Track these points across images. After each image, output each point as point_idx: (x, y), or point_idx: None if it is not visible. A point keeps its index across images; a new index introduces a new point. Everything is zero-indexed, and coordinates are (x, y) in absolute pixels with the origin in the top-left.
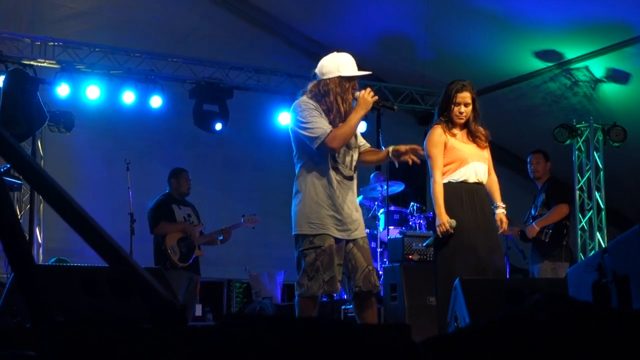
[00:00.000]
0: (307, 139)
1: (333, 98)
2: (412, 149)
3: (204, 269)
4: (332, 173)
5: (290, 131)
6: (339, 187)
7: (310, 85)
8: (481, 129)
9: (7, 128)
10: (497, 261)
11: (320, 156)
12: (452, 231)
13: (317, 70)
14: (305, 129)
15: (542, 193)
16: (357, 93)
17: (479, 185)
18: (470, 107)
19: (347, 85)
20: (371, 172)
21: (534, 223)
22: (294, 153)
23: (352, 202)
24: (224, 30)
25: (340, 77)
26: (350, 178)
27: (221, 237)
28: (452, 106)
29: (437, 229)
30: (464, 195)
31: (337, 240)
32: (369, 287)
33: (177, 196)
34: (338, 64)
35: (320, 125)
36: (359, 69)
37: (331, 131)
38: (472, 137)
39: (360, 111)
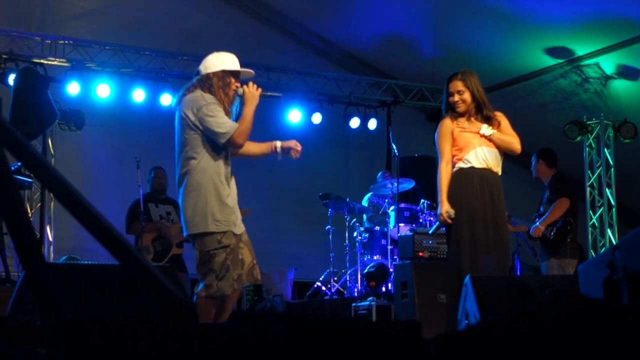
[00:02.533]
0: (212, 133)
1: (219, 93)
2: (294, 145)
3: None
4: (227, 169)
5: (182, 125)
6: (231, 182)
7: (195, 81)
8: (496, 113)
9: (18, 126)
10: (500, 253)
11: (219, 152)
12: (450, 221)
13: (200, 67)
14: (213, 122)
15: (546, 190)
16: (240, 89)
17: (488, 171)
18: (465, 94)
19: (229, 80)
20: (378, 172)
21: (538, 223)
22: (183, 147)
23: (236, 197)
24: (234, 28)
25: (223, 71)
26: (232, 172)
27: None
28: (449, 98)
29: (438, 218)
30: (475, 180)
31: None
32: (252, 280)
33: (156, 194)
34: (222, 59)
35: (226, 120)
36: (369, 65)
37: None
38: (485, 122)
39: (251, 106)
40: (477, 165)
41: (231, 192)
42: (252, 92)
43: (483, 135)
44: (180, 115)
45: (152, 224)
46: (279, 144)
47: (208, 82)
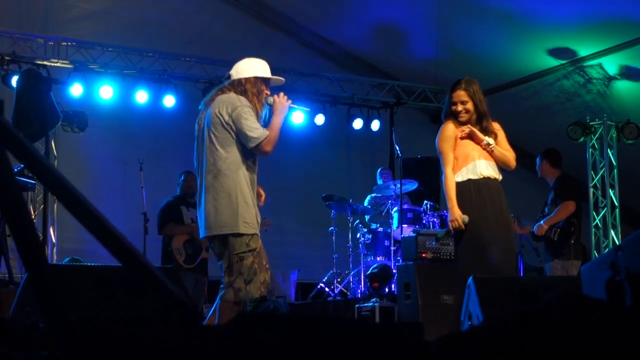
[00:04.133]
0: (244, 136)
1: (252, 98)
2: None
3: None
4: (254, 172)
5: (213, 124)
6: (255, 188)
7: (227, 84)
8: (494, 124)
9: (21, 128)
10: (508, 258)
11: (249, 154)
12: (463, 227)
13: (231, 72)
14: (246, 126)
15: (551, 191)
16: (271, 98)
17: (488, 180)
18: (468, 104)
19: (262, 87)
20: (376, 169)
21: (542, 222)
22: (213, 146)
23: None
24: (237, 30)
25: (256, 78)
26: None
27: None
28: (452, 106)
29: (450, 224)
30: (472, 193)
31: None
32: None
33: (186, 198)
34: (255, 66)
35: (258, 126)
36: (372, 66)
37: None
38: (483, 133)
39: (280, 116)
40: (474, 177)
41: (254, 197)
42: (282, 103)
43: (486, 147)
44: (213, 114)
45: (184, 227)
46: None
47: (241, 87)
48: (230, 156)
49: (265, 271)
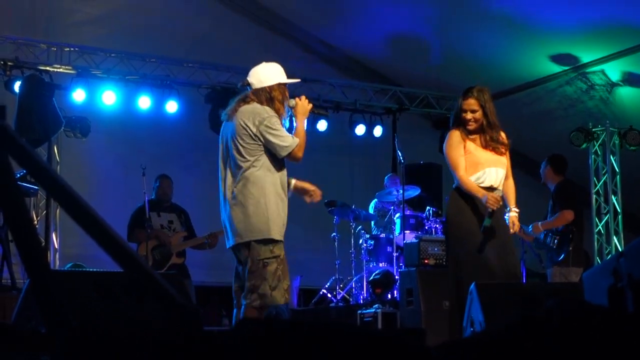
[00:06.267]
0: (274, 146)
1: (278, 105)
2: (313, 192)
3: (220, 273)
4: (284, 180)
5: (239, 135)
6: (285, 196)
7: (248, 94)
8: (503, 135)
9: (23, 133)
10: (509, 266)
11: (278, 163)
12: (501, 202)
13: (251, 80)
14: (276, 136)
15: (551, 198)
16: (292, 101)
17: (493, 189)
18: (478, 114)
19: (286, 92)
20: (383, 179)
21: (539, 223)
22: (240, 155)
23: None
24: (240, 35)
25: (279, 84)
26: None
27: (207, 242)
28: (462, 114)
29: (488, 205)
30: (477, 201)
31: None
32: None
33: (161, 203)
34: (275, 71)
35: (287, 134)
36: (374, 72)
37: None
38: (490, 143)
39: (303, 119)
40: (484, 185)
41: (285, 205)
42: (304, 106)
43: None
44: (238, 124)
45: (151, 232)
46: (292, 182)
47: (267, 96)
48: (258, 164)
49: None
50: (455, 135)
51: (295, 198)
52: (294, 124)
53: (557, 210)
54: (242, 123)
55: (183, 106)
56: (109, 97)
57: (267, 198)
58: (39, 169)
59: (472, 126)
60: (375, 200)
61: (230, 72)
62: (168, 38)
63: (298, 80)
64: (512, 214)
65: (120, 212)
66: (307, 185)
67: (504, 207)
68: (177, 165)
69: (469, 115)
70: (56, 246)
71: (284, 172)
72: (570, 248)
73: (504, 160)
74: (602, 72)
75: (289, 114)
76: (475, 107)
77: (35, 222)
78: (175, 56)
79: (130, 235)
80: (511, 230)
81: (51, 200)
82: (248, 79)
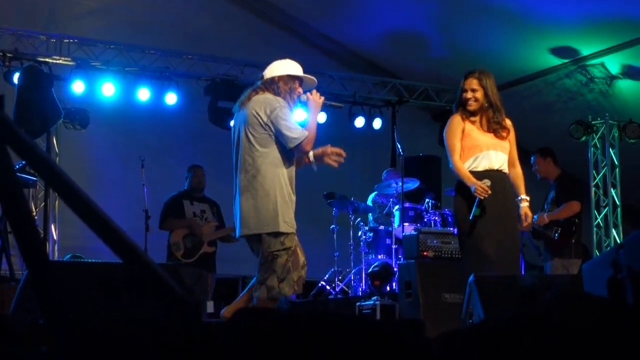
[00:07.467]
0: (283, 136)
1: (282, 94)
2: (336, 152)
3: (219, 265)
4: (293, 171)
5: (250, 124)
6: (293, 186)
7: (260, 84)
8: (507, 121)
9: (22, 125)
10: (510, 253)
11: (288, 154)
12: (489, 191)
13: (264, 72)
14: (286, 127)
15: (552, 190)
16: (304, 95)
17: (495, 172)
18: (478, 93)
19: (294, 85)
20: (382, 171)
21: (545, 214)
22: (250, 145)
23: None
24: (240, 28)
25: (288, 76)
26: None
27: (233, 234)
28: (462, 94)
29: (476, 194)
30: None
31: None
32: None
33: (194, 192)
34: (287, 65)
35: (297, 126)
36: (373, 64)
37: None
38: (492, 125)
39: (316, 113)
40: (482, 167)
41: (293, 196)
42: (316, 100)
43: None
44: (250, 114)
45: (184, 221)
46: (311, 153)
47: (274, 85)
48: (269, 155)
49: (301, 268)
50: (454, 121)
51: (295, 189)
52: (306, 118)
53: (563, 202)
54: (253, 112)
55: (182, 98)
56: (108, 89)
57: (277, 190)
58: (38, 160)
59: (472, 106)
60: (375, 193)
61: (229, 64)
62: (167, 30)
63: (312, 78)
64: (524, 205)
65: (119, 203)
66: (319, 151)
67: (510, 193)
68: (175, 156)
69: (469, 94)
70: (55, 237)
71: (293, 168)
72: (573, 240)
73: (506, 145)
74: (602, 65)
75: (296, 106)
76: (476, 86)
77: (34, 213)
78: (174, 48)
79: (163, 222)
80: (524, 224)
81: (50, 191)
82: (264, 72)
